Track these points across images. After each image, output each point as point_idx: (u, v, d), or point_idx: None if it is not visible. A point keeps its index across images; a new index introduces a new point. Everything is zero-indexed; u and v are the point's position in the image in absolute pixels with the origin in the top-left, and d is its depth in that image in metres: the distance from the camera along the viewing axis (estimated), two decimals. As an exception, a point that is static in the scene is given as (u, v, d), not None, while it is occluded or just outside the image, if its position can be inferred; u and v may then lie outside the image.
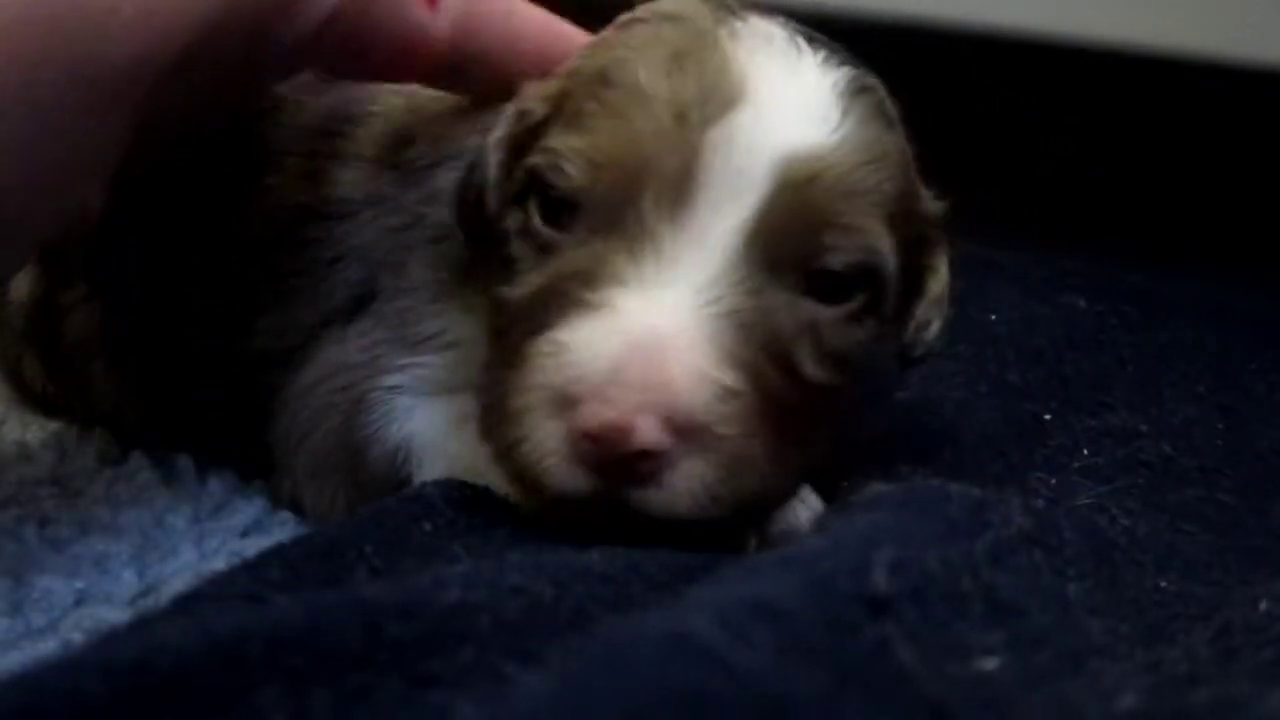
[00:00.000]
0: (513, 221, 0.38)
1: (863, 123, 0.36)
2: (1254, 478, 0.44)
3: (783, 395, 0.35)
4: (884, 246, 0.36)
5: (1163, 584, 0.36)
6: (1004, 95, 0.66)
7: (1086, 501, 0.38)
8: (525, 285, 0.37)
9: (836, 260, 0.36)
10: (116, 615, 0.37)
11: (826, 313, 0.36)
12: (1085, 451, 0.42)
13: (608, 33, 0.39)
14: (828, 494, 0.39)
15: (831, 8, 0.49)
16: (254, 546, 0.41)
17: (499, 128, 0.39)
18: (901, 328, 0.40)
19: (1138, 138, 0.71)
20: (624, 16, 0.39)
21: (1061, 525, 0.34)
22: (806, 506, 0.38)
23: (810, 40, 0.38)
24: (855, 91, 0.37)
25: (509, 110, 0.39)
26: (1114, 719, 0.24)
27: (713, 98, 0.35)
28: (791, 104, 0.36)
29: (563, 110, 0.37)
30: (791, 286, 0.36)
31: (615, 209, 0.35)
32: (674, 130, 0.35)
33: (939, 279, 0.40)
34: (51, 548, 0.41)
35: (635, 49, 0.37)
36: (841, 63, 0.37)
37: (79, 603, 0.38)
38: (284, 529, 0.43)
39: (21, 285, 0.50)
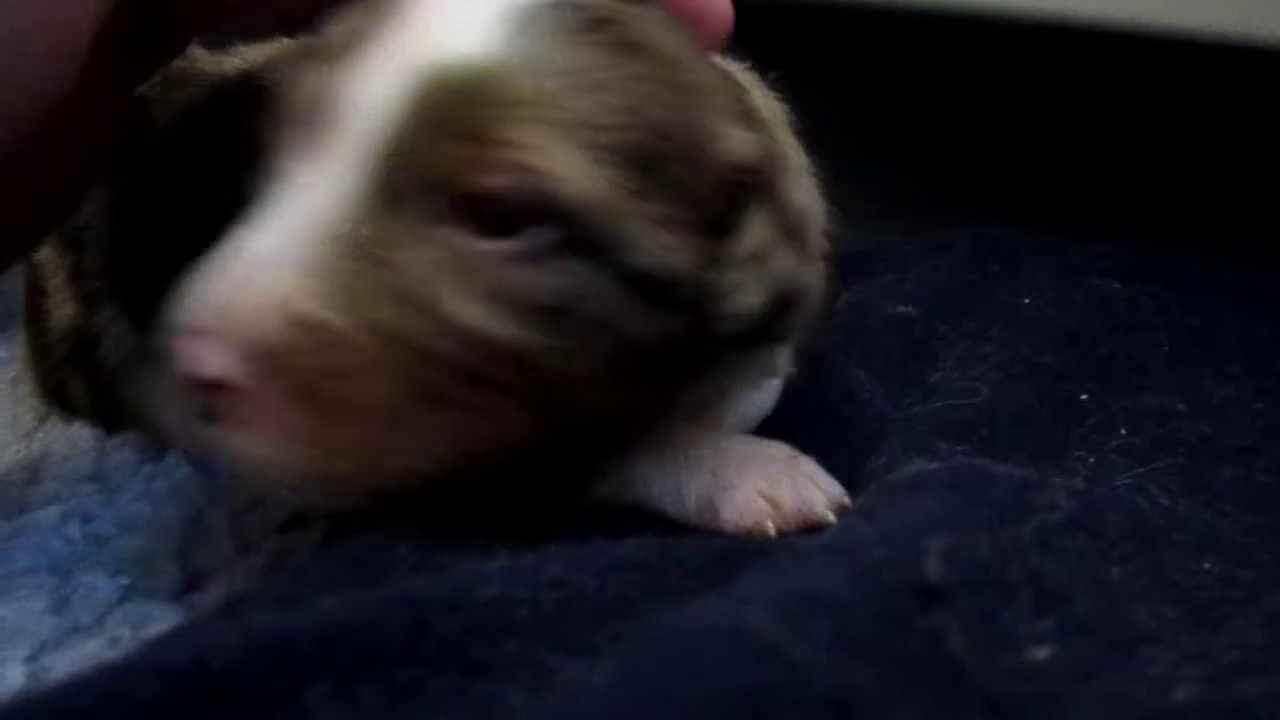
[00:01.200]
0: None
1: (557, 42, 0.32)
2: (1292, 458, 0.44)
3: (431, 346, 0.31)
4: (564, 171, 0.31)
5: (1205, 566, 0.35)
6: (1036, 78, 0.66)
7: (1126, 481, 0.38)
8: None
9: (491, 183, 0.31)
10: (161, 611, 0.38)
11: (490, 247, 0.31)
12: (1123, 431, 0.41)
13: None
14: (850, 472, 0.38)
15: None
16: (294, 541, 0.42)
17: None
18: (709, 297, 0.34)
19: (1170, 121, 0.70)
20: None
21: (1104, 508, 0.34)
22: (819, 489, 0.37)
23: None
24: (555, 10, 0.33)
25: None
26: (1170, 712, 0.24)
27: (363, 29, 0.33)
28: (443, 22, 0.32)
29: None
30: (440, 215, 0.31)
31: (271, 157, 0.33)
32: (320, 66, 0.33)
33: (749, 235, 0.35)
34: (95, 544, 0.41)
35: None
36: None
37: (124, 599, 0.39)
38: (324, 523, 0.44)
39: (63, 312, 0.50)
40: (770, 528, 0.36)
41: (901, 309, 0.49)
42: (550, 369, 0.33)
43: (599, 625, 0.29)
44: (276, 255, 0.30)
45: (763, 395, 0.43)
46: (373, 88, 0.31)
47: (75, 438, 0.49)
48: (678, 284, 0.34)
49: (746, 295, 0.35)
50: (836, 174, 0.43)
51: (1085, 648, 0.27)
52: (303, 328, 0.30)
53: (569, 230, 0.32)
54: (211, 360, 0.30)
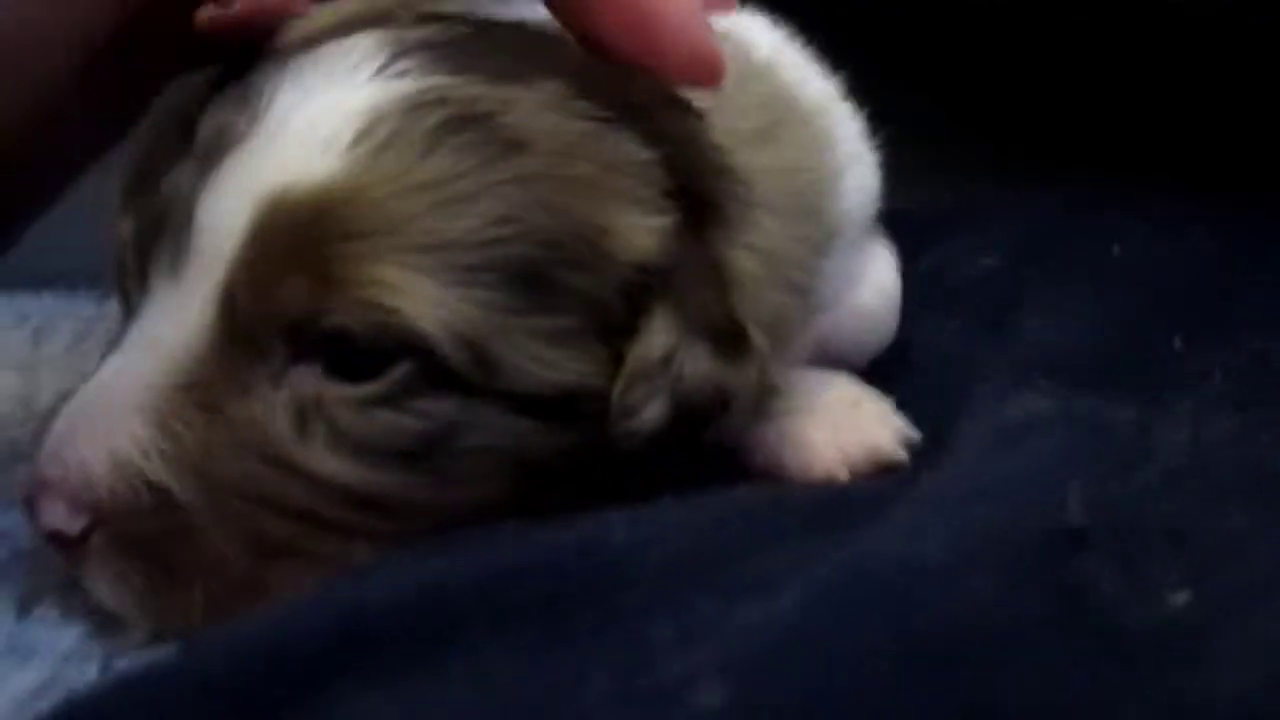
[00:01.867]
0: None
1: (416, 150, 0.29)
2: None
3: (276, 498, 0.30)
4: (420, 305, 0.29)
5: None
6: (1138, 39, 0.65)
7: (1228, 426, 0.38)
8: None
9: (341, 323, 0.29)
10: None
11: (345, 391, 0.30)
12: (1218, 378, 0.41)
13: None
14: (944, 414, 0.38)
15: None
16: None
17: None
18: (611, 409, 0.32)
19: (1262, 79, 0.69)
20: None
21: (1216, 453, 0.34)
22: (886, 427, 0.37)
23: (404, 53, 0.31)
24: (415, 113, 0.30)
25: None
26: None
27: (221, 139, 0.30)
28: (291, 136, 0.30)
29: None
30: (290, 356, 0.30)
31: (140, 268, 0.32)
32: (187, 180, 0.30)
33: (647, 344, 0.31)
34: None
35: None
36: (426, 74, 0.30)
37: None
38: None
39: None
40: (843, 474, 0.35)
41: (986, 261, 0.49)
42: (420, 506, 0.31)
43: (728, 566, 0.30)
44: (118, 402, 0.29)
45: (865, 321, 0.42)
46: (221, 211, 0.29)
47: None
48: (574, 399, 0.31)
49: (649, 407, 0.32)
50: (915, 134, 0.42)
51: (1218, 593, 0.27)
52: (133, 484, 0.29)
53: (433, 365, 0.29)
54: (49, 513, 0.29)
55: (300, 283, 0.29)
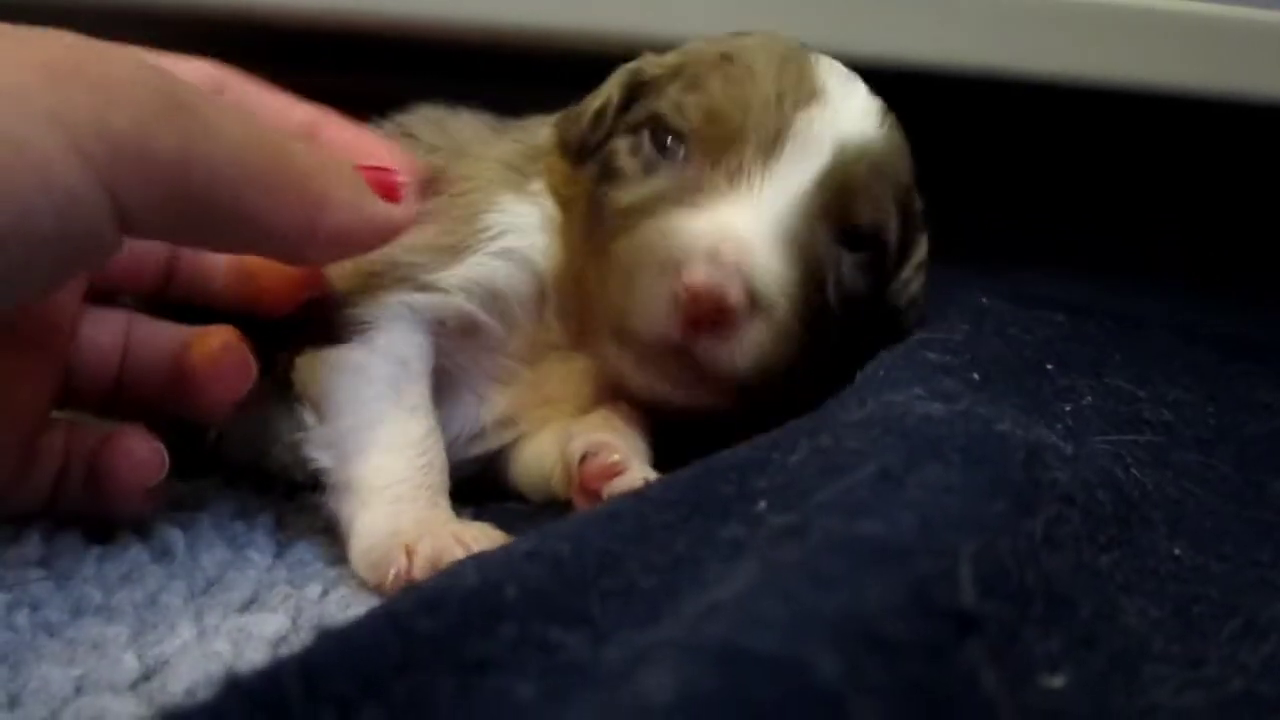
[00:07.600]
0: (623, 145, 0.50)
1: (892, 130, 0.50)
2: (1247, 457, 0.45)
3: (810, 308, 0.46)
4: (891, 219, 0.49)
5: (1176, 551, 0.36)
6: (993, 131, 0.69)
7: (1102, 445, 0.39)
8: (633, 192, 0.48)
9: (862, 220, 0.48)
10: (119, 704, 0.35)
11: (848, 257, 0.48)
12: (1089, 399, 0.43)
13: (724, 36, 0.52)
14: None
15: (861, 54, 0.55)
16: (255, 622, 0.40)
17: (614, 82, 0.52)
18: (893, 283, 0.52)
19: (1112, 170, 0.74)
20: (734, 33, 0.52)
21: (1092, 480, 0.35)
22: None
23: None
24: (886, 110, 0.50)
25: (622, 72, 0.52)
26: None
27: (802, 90, 0.48)
28: (852, 107, 0.49)
29: (681, 76, 0.50)
30: (830, 231, 0.48)
31: (721, 150, 0.47)
32: (774, 106, 0.47)
33: (920, 251, 0.53)
34: (46, 633, 0.39)
35: (752, 49, 0.50)
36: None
37: (79, 691, 0.36)
38: (285, 604, 0.42)
39: None
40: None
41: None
42: (838, 336, 0.49)
43: (587, 589, 0.29)
44: (762, 232, 0.45)
45: None
46: (811, 142, 0.47)
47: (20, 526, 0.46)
48: None
49: (915, 286, 0.54)
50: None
51: (1092, 667, 0.27)
52: (778, 281, 0.45)
53: (880, 251, 0.50)
54: (733, 294, 0.43)
55: (851, 194, 0.48)
